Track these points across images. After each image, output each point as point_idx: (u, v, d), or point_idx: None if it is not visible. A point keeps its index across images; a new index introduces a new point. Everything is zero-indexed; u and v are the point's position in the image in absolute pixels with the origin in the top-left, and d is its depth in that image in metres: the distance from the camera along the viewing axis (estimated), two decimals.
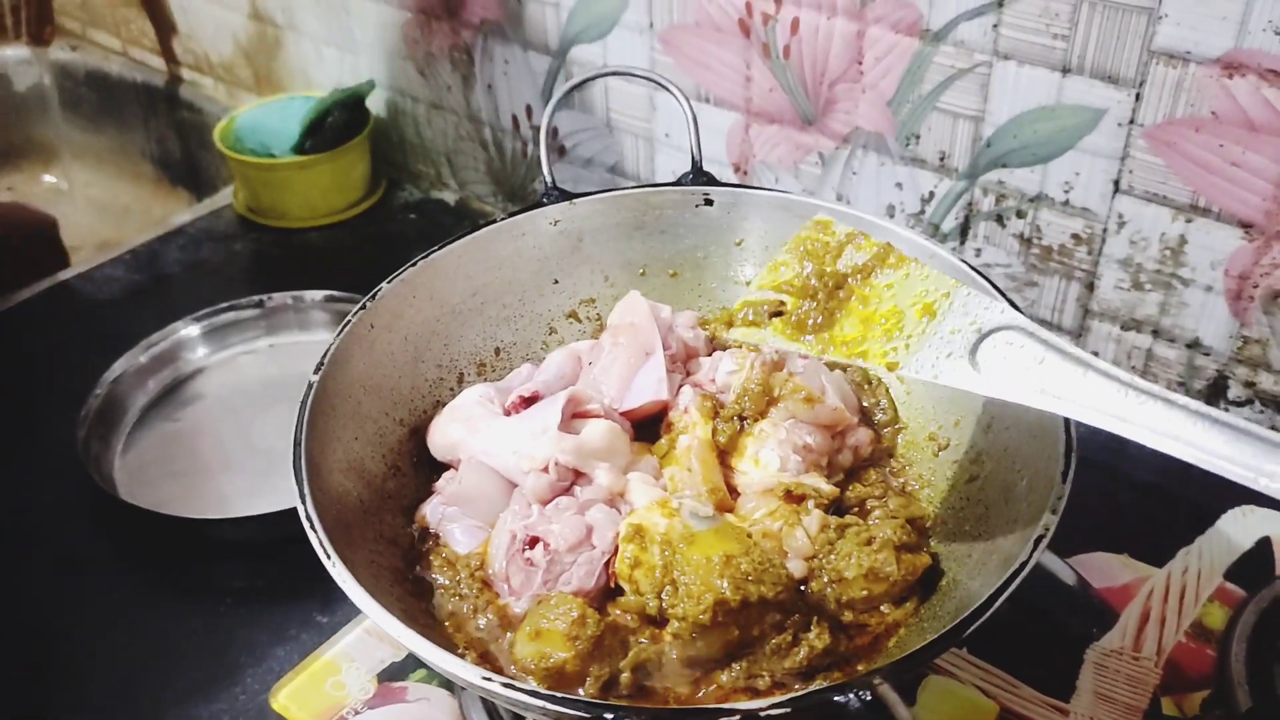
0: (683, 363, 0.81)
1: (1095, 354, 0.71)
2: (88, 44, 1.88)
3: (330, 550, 0.61)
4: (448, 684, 0.80)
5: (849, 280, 0.71)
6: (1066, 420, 0.65)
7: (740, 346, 0.81)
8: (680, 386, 0.79)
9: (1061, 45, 0.90)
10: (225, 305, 1.21)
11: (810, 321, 0.71)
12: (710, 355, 0.83)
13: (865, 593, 0.67)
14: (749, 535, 0.68)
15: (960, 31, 0.95)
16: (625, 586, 0.68)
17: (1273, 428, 0.58)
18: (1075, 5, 0.88)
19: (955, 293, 0.65)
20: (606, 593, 0.69)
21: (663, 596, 0.65)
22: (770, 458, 0.73)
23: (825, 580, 0.68)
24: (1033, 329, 0.61)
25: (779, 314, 0.74)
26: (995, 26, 0.93)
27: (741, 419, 0.76)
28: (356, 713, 0.78)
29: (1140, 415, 0.55)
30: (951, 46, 0.96)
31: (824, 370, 0.77)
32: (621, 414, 0.78)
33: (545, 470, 0.72)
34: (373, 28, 1.40)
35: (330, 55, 1.48)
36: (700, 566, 0.64)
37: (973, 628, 0.55)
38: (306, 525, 0.63)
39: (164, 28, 1.73)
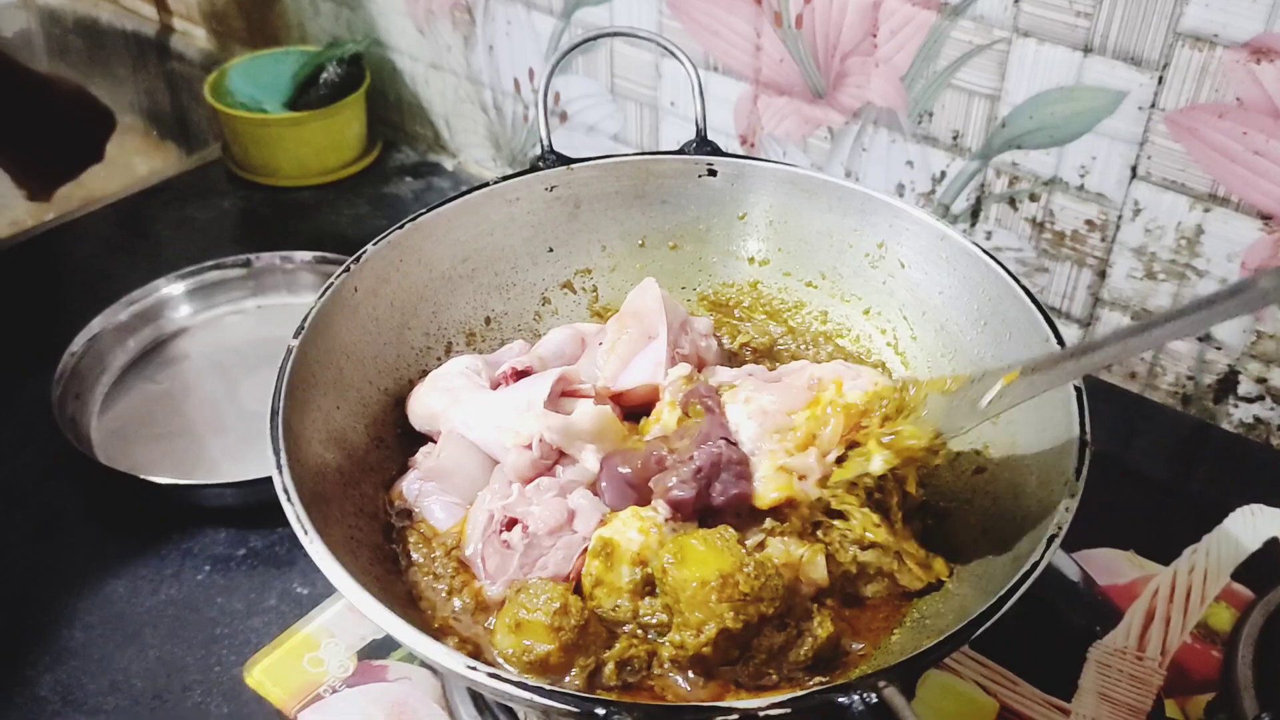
0: (695, 369, 0.78)
1: None
2: None
3: (308, 526, 0.58)
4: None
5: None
6: (1081, 418, 0.62)
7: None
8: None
9: (1084, 24, 0.87)
10: (211, 263, 1.17)
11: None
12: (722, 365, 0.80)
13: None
14: (740, 543, 0.64)
15: (980, 6, 0.91)
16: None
17: None
18: None
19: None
20: None
21: (640, 615, 0.63)
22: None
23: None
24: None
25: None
26: (1016, 2, 0.89)
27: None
28: (334, 691, 0.75)
29: None
30: (970, 21, 0.93)
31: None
32: (614, 394, 0.75)
33: (529, 447, 0.69)
34: None
35: (327, 9, 1.44)
36: (696, 594, 0.60)
37: (982, 629, 0.53)
38: (283, 498, 0.60)
39: None
